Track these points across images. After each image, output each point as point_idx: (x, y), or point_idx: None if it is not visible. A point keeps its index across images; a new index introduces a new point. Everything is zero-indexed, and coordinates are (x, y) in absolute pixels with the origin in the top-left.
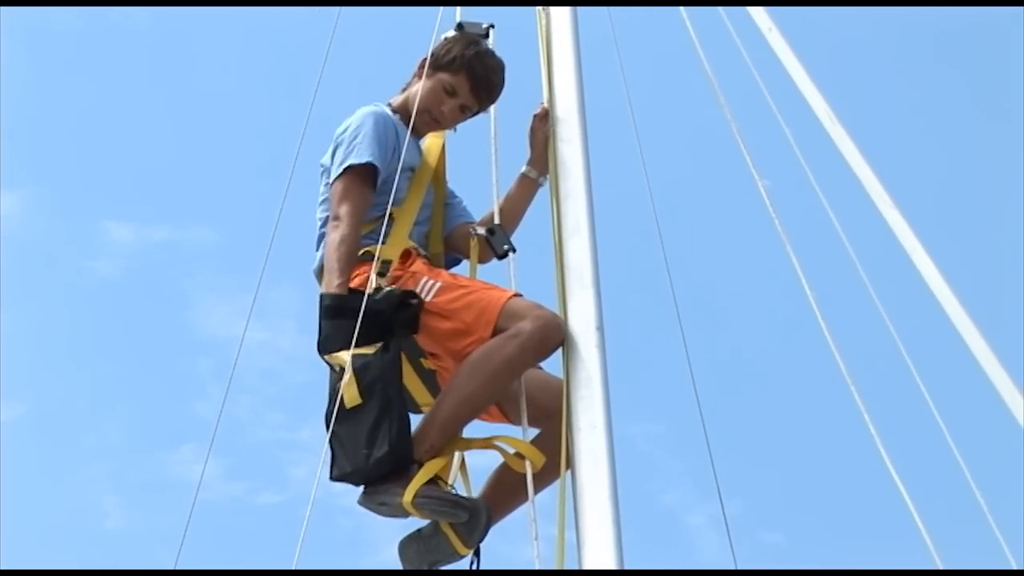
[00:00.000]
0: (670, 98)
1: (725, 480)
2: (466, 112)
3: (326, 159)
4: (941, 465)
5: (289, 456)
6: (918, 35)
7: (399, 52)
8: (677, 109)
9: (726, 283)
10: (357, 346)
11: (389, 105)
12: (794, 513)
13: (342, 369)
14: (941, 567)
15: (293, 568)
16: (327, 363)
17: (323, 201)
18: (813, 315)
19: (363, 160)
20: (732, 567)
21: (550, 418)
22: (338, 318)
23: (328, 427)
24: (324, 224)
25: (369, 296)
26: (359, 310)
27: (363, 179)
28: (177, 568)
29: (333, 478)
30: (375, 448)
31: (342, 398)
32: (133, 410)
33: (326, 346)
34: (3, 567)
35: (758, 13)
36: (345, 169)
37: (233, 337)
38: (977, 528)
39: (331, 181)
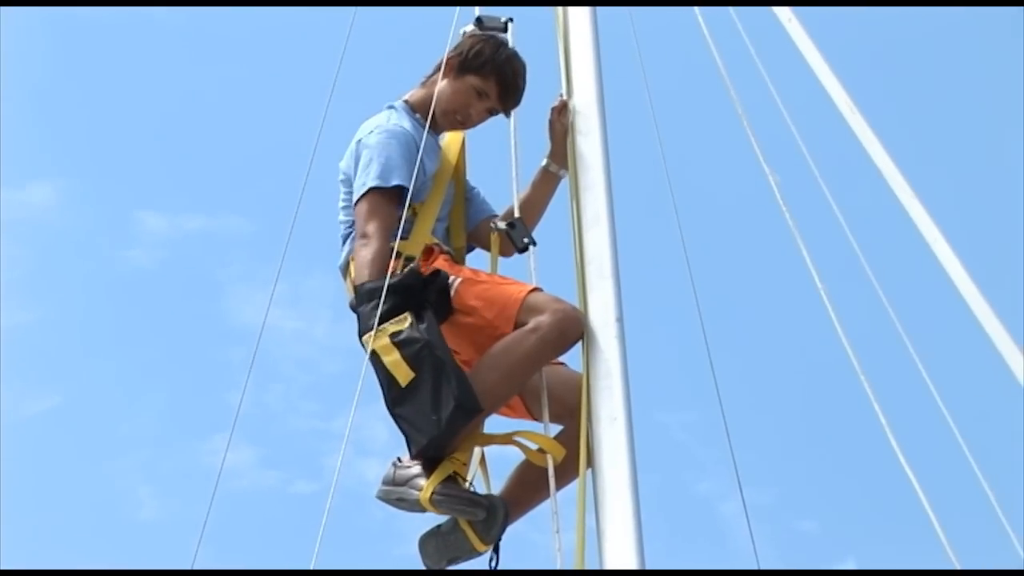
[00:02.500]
0: (688, 91)
1: (759, 468)
2: (491, 114)
3: (346, 164)
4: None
5: (323, 446)
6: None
7: (416, 48)
8: (695, 102)
9: (746, 271)
10: (385, 320)
11: (407, 102)
12: (829, 500)
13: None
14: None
15: (312, 568)
16: (368, 351)
17: (345, 207)
18: (833, 314)
19: (390, 184)
20: (755, 564)
21: (572, 415)
22: (375, 300)
23: (391, 413)
24: (349, 227)
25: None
26: (397, 285)
27: (390, 199)
28: (193, 568)
29: (413, 456)
30: (442, 409)
31: (395, 379)
32: (166, 399)
33: (367, 327)
34: (26, 562)
35: (781, 10)
36: (370, 189)
37: (268, 326)
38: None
39: (356, 199)
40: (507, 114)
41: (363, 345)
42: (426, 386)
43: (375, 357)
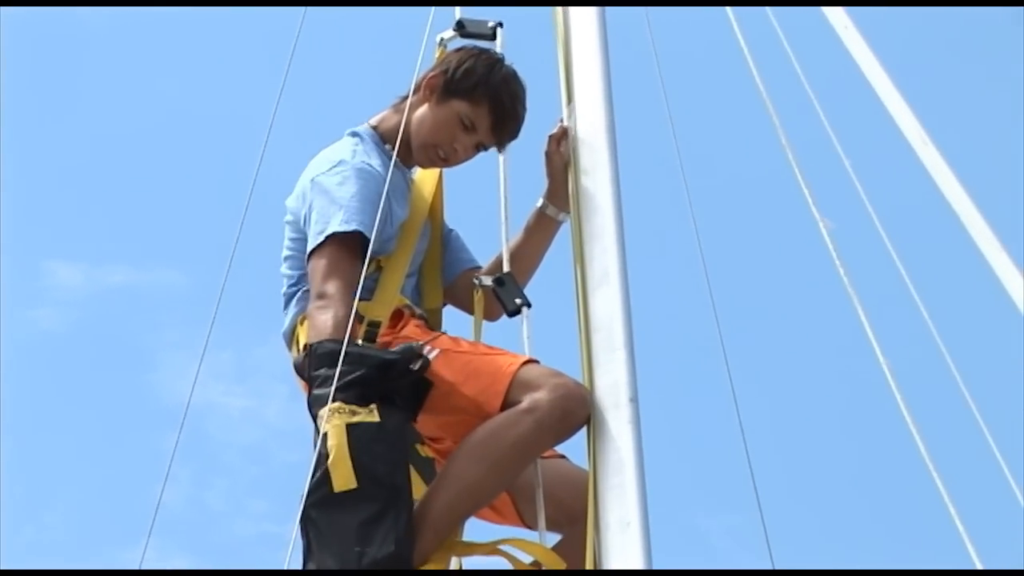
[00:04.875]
0: (719, 114)
1: None
2: (479, 150)
3: (295, 203)
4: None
5: (276, 556)
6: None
7: (383, 58)
8: (728, 128)
9: (786, 335)
10: (346, 401)
11: (375, 129)
12: None
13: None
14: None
15: None
16: (315, 424)
17: (290, 257)
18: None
19: (350, 228)
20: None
21: (574, 521)
22: (335, 366)
23: (305, 508)
24: (295, 283)
25: (381, 348)
26: (363, 357)
27: (353, 251)
28: None
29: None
30: (372, 547)
31: (329, 476)
32: (80, 497)
33: (320, 398)
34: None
35: (833, 12)
36: (328, 237)
37: (208, 405)
38: None
39: (311, 251)
40: (500, 150)
41: (314, 419)
42: (365, 507)
43: (318, 429)
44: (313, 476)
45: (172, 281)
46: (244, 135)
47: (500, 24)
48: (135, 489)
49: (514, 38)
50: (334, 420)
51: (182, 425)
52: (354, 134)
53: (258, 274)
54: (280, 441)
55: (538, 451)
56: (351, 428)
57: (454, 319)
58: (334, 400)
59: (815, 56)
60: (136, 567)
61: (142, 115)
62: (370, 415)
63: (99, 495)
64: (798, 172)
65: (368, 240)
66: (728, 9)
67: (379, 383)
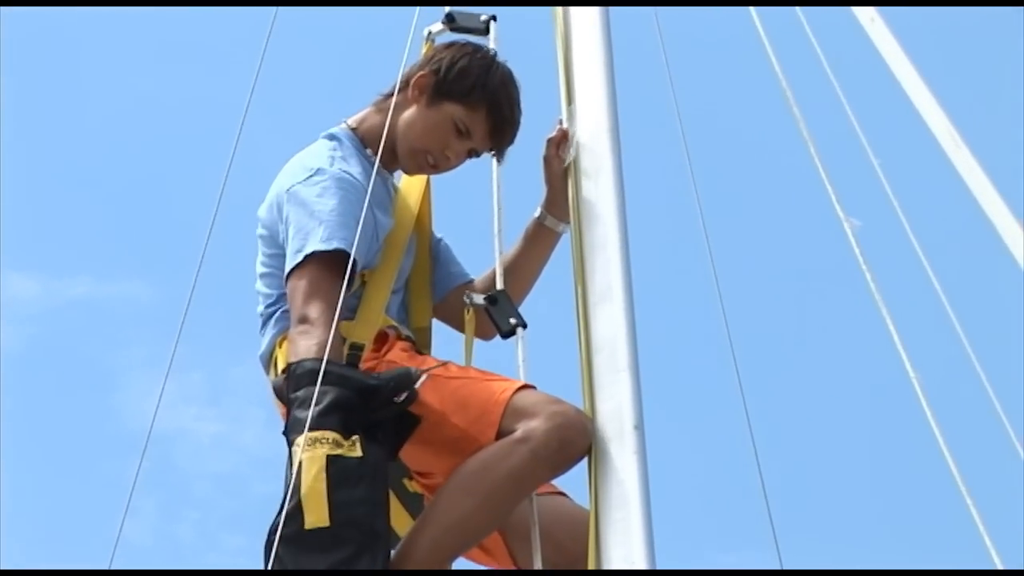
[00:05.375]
0: (733, 118)
1: None
2: (471, 156)
3: (268, 215)
4: None
5: None
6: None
7: (364, 55)
8: (742, 133)
9: (804, 353)
10: (329, 428)
11: (354, 131)
12: None
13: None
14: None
15: None
16: (290, 451)
17: (266, 275)
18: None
19: (331, 247)
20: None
21: (573, 562)
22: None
23: (270, 539)
24: (273, 302)
25: (366, 370)
26: (345, 379)
27: (333, 269)
28: None
29: None
30: None
31: (301, 510)
32: (35, 530)
33: (298, 423)
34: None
35: (864, 11)
36: (309, 256)
37: (178, 431)
38: None
39: (290, 270)
40: (499, 159)
41: (290, 446)
42: (338, 550)
43: (292, 459)
44: (283, 508)
45: (138, 294)
46: (217, 136)
47: (493, 18)
48: (97, 522)
49: (508, 33)
50: (315, 449)
51: (144, 451)
52: (331, 137)
53: (232, 287)
54: (257, 470)
55: (533, 485)
56: (331, 461)
57: (446, 336)
58: (316, 426)
59: (840, 55)
60: None
61: (105, 114)
62: (352, 449)
63: (58, 527)
64: (822, 170)
65: (351, 257)
66: (753, 9)
67: (361, 411)
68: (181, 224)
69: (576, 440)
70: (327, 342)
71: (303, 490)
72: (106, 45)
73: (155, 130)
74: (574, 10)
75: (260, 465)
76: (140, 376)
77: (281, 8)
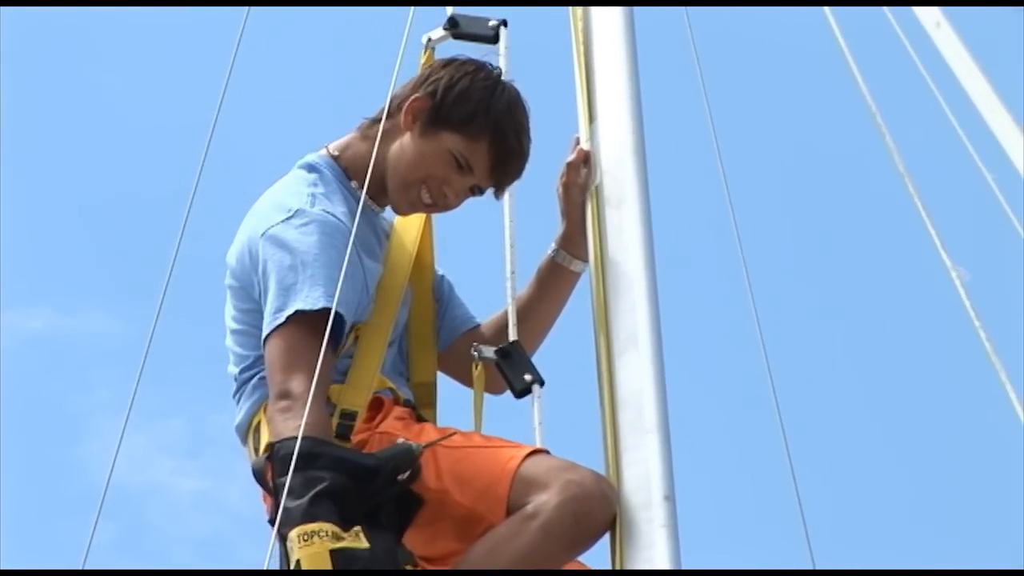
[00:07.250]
0: (775, 133)
1: None
2: (474, 194)
3: (239, 262)
4: None
5: None
6: None
7: (350, 66)
8: (785, 152)
9: (852, 408)
10: (324, 519)
11: (335, 160)
12: None
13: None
14: None
15: None
16: (283, 546)
17: (238, 332)
18: None
19: (317, 306)
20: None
21: None
22: (304, 471)
23: None
24: (250, 365)
25: (357, 447)
26: (339, 462)
27: (319, 330)
28: None
29: None
30: None
31: None
32: None
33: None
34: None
35: (925, 12)
36: (290, 316)
37: (153, 487)
38: None
39: (268, 332)
40: (498, 195)
41: (282, 540)
42: None
43: (287, 555)
44: None
45: (104, 329)
46: (192, 151)
47: (504, 23)
48: None
49: (519, 39)
50: (313, 545)
51: (100, 509)
52: (310, 168)
53: (216, 321)
54: (243, 531)
55: (550, 566)
56: (335, 555)
57: (451, 390)
58: (309, 518)
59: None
60: None
61: (68, 125)
62: (356, 540)
63: None
64: (925, 214)
65: (340, 315)
66: (827, 9)
67: (360, 498)
68: (154, 249)
69: (595, 512)
70: (314, 424)
71: None
72: (71, 64)
73: (123, 146)
74: (595, 10)
75: (247, 526)
76: (107, 422)
77: (253, 8)
